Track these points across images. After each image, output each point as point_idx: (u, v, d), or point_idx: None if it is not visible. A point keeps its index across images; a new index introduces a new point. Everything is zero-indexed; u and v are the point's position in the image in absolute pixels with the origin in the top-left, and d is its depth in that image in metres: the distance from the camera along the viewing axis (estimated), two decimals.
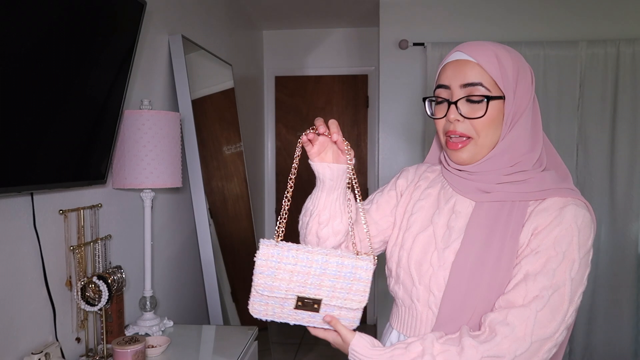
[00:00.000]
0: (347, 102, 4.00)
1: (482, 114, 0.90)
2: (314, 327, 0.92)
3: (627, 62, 2.87)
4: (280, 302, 0.89)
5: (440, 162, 1.08)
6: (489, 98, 0.90)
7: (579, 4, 3.01)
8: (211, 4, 2.75)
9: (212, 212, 2.32)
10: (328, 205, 0.97)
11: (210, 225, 2.23)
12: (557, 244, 0.85)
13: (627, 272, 2.91)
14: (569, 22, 3.01)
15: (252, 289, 0.89)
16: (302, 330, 3.87)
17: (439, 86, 0.96)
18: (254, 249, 2.86)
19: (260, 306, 0.89)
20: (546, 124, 2.88)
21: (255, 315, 0.90)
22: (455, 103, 0.92)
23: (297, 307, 0.89)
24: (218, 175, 2.51)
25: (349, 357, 0.89)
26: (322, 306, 0.88)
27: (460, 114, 0.92)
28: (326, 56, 3.97)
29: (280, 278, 0.87)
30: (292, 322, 0.91)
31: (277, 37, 4.00)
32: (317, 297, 0.88)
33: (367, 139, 3.98)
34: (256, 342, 1.80)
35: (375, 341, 0.88)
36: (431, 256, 0.95)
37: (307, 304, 0.88)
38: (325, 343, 3.59)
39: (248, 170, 3.01)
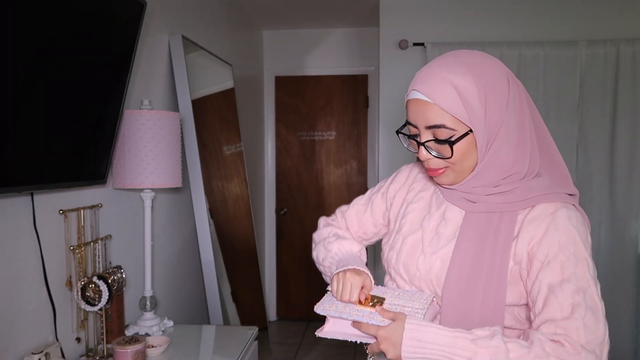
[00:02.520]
0: (347, 102, 4.00)
1: (449, 155, 0.90)
2: (370, 337, 0.92)
3: (627, 62, 2.87)
4: (345, 303, 0.96)
5: None
6: (452, 142, 0.88)
7: (579, 4, 3.00)
8: (211, 4, 2.75)
9: (212, 212, 2.32)
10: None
11: (210, 225, 2.24)
12: (563, 248, 0.85)
13: (627, 272, 2.90)
14: (569, 22, 3.01)
15: (327, 294, 1.01)
16: (302, 330, 3.88)
17: (408, 122, 0.94)
18: (254, 249, 2.87)
19: (327, 304, 0.98)
20: (546, 125, 2.86)
21: (318, 311, 0.97)
22: (424, 144, 0.92)
23: (360, 303, 0.94)
24: (218, 175, 2.51)
25: (405, 344, 0.84)
26: (384, 304, 0.93)
27: (431, 154, 0.92)
28: (326, 56, 3.96)
29: None
30: (350, 317, 0.93)
31: (277, 37, 4.00)
32: (382, 295, 0.95)
33: (367, 139, 3.98)
34: (256, 342, 1.80)
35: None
36: (417, 259, 0.98)
37: (370, 300, 0.94)
38: (325, 343, 3.60)
39: (248, 170, 3.01)
